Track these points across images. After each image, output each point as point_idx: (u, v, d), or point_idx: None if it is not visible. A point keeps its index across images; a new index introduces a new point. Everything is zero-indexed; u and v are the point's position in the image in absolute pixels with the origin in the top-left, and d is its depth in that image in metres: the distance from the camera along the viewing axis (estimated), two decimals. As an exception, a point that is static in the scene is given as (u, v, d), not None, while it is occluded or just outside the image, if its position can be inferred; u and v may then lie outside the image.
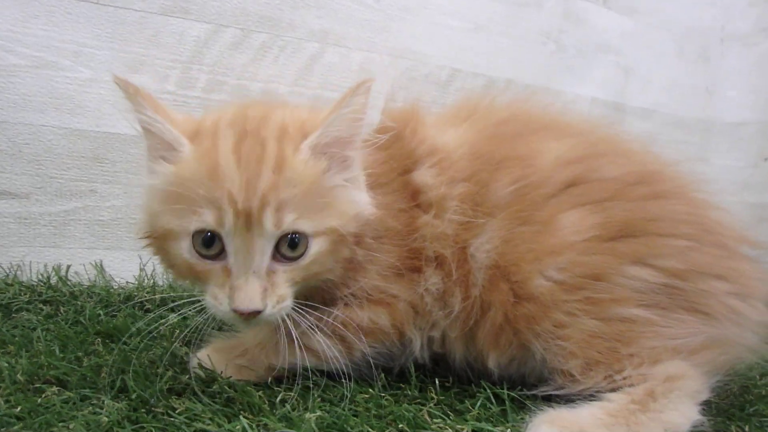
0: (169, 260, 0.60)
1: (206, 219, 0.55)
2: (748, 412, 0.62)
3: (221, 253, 0.56)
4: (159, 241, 0.59)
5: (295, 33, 1.13)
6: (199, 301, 0.93)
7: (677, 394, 0.56)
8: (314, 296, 0.63)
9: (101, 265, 0.99)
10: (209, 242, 0.56)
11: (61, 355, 0.66)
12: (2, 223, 0.95)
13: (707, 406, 0.58)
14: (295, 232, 0.56)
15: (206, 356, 0.65)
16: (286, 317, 0.58)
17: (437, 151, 0.66)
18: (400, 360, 0.67)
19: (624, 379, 0.57)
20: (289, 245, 0.57)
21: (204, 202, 0.55)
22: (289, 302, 0.58)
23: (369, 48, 1.19)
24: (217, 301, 0.57)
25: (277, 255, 0.57)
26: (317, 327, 0.62)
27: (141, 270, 1.01)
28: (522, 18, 1.37)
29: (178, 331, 0.80)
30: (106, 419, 0.50)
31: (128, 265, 1.01)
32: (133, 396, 0.55)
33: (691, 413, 0.55)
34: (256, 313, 0.55)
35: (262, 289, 0.55)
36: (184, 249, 0.57)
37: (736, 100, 1.72)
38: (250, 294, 0.55)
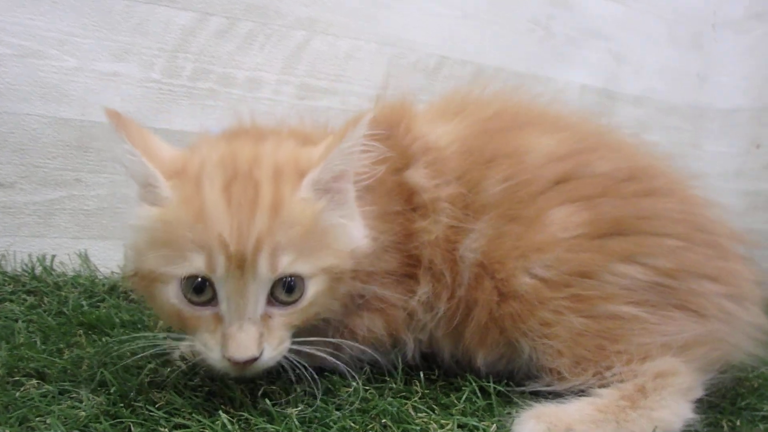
0: (156, 304, 0.57)
1: (196, 264, 0.51)
2: (740, 405, 0.62)
3: (212, 299, 0.53)
4: (146, 282, 0.56)
5: (282, 21, 1.12)
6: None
7: (669, 391, 0.55)
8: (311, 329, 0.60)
9: (86, 254, 0.99)
10: (200, 288, 0.53)
11: (43, 347, 0.67)
12: (-14, 212, 0.95)
13: (698, 401, 0.57)
14: (291, 275, 0.54)
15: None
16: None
17: (430, 149, 0.64)
18: (389, 358, 0.66)
19: (613, 375, 0.57)
20: (285, 290, 0.54)
21: (192, 246, 0.51)
22: (287, 344, 0.55)
23: (356, 36, 1.18)
24: (207, 348, 0.53)
25: (272, 299, 0.54)
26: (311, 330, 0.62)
27: (126, 260, 1.00)
28: (510, 4, 1.36)
29: (162, 322, 0.80)
30: (83, 414, 0.51)
31: (114, 254, 1.01)
32: (113, 390, 0.55)
33: (684, 411, 0.55)
34: (252, 361, 0.52)
35: (257, 334, 0.52)
36: (172, 294, 0.53)
37: (729, 86, 1.71)
38: (244, 342, 0.52)
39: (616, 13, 1.52)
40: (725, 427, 0.56)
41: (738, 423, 0.57)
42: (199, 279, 0.52)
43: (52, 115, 0.97)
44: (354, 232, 0.58)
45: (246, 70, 1.10)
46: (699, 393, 0.57)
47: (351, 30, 1.18)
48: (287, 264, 0.53)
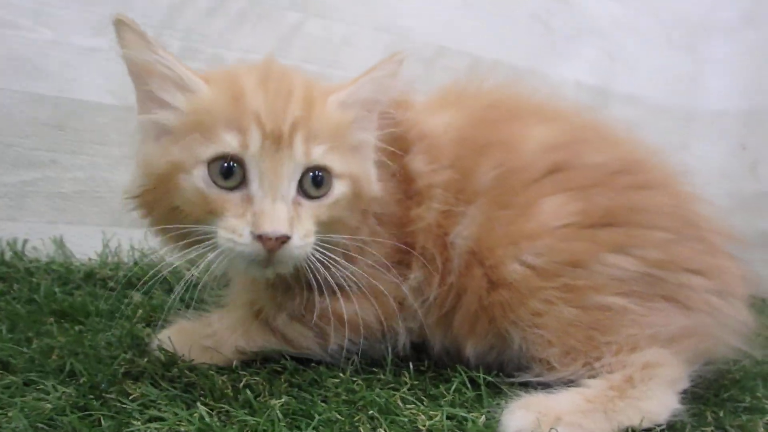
0: (170, 205, 0.54)
1: (229, 143, 0.51)
2: (723, 397, 0.61)
3: (241, 183, 0.52)
4: (160, 186, 0.54)
5: (274, 1, 1.07)
6: (166, 278, 0.90)
7: (656, 382, 0.55)
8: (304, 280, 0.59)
9: (61, 240, 0.93)
10: (229, 171, 0.52)
11: (9, 336, 0.61)
12: (-46, 192, 0.89)
13: (683, 392, 0.56)
14: (322, 168, 0.54)
15: (167, 337, 0.60)
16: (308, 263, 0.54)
17: (426, 136, 0.63)
18: (379, 348, 0.64)
19: (603, 366, 0.56)
20: (314, 182, 0.54)
21: (226, 125, 0.51)
22: (313, 239, 0.54)
23: (352, 21, 1.14)
24: (235, 233, 0.51)
25: (300, 192, 0.54)
26: (300, 316, 0.60)
27: (104, 246, 0.95)
28: (510, -4, 1.33)
29: (141, 311, 0.75)
30: (49, 406, 0.46)
31: (91, 240, 0.96)
32: (83, 380, 0.50)
33: (670, 401, 0.54)
34: (283, 240, 0.50)
35: (289, 214, 0.51)
36: (198, 179, 0.52)
37: (718, 89, 1.71)
38: (278, 215, 0.51)
39: (613, 11, 1.50)
40: (709, 418, 0.56)
41: (721, 414, 0.57)
42: (229, 161, 0.52)
43: (27, 91, 0.91)
44: (372, 166, 0.59)
45: (236, 50, 1.05)
46: (685, 384, 0.57)
47: (347, 14, 1.13)
48: (320, 154, 0.54)
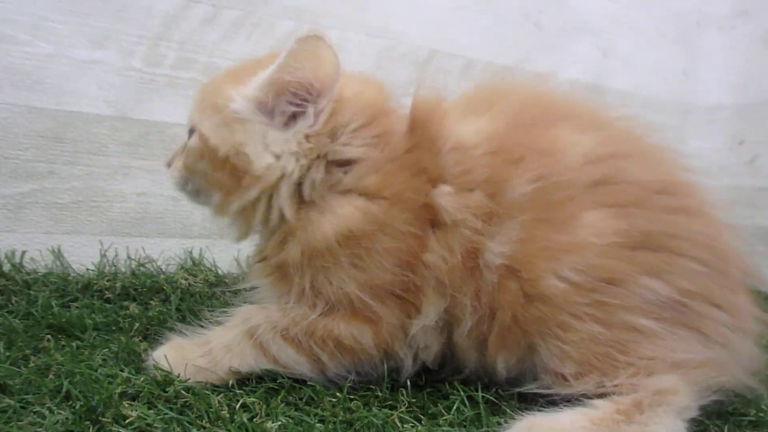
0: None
1: None
2: (726, 410, 0.61)
3: None
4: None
5: (268, 10, 1.07)
6: (162, 288, 0.91)
7: (665, 409, 0.54)
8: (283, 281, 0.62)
9: (59, 250, 0.94)
10: None
11: (6, 354, 0.62)
12: (-47, 205, 0.90)
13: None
14: (194, 128, 0.65)
15: (163, 356, 0.61)
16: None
17: (457, 151, 0.62)
18: (378, 371, 0.64)
19: (615, 386, 0.56)
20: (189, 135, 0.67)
21: None
22: (177, 173, 0.68)
23: (345, 27, 1.15)
24: None
25: None
26: (295, 338, 0.60)
27: (102, 256, 0.96)
28: (502, -2, 1.33)
29: (138, 324, 0.76)
30: (44, 432, 0.47)
31: (89, 250, 0.97)
32: (78, 405, 0.51)
33: (678, 429, 0.54)
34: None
35: (174, 156, 0.70)
36: None
37: (713, 83, 1.71)
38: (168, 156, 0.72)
39: (605, 7, 1.50)
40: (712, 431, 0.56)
41: (726, 428, 0.57)
42: None
43: (25, 104, 0.92)
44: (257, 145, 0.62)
45: (231, 59, 1.05)
46: (693, 413, 0.56)
47: (339, 20, 1.14)
48: (197, 119, 0.65)
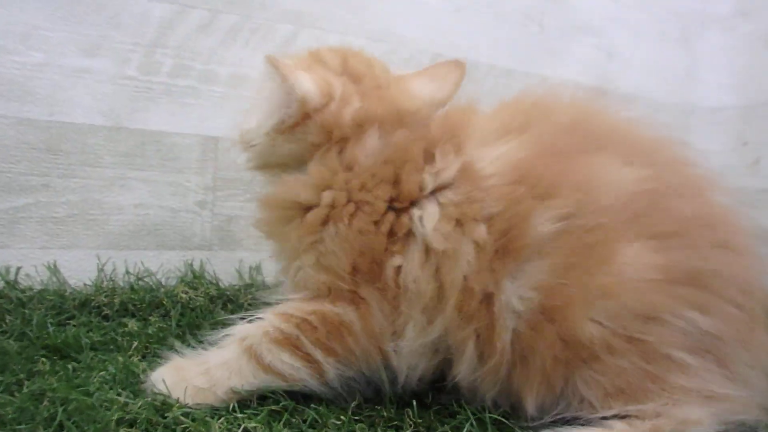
0: None
1: None
2: None
3: None
4: None
5: (267, 14, 1.05)
6: (162, 303, 0.88)
7: None
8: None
9: (55, 266, 0.92)
10: None
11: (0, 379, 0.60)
12: (-56, 221, 0.87)
13: None
14: None
15: (161, 379, 0.59)
16: None
17: (464, 187, 0.58)
18: (381, 376, 0.61)
19: (638, 410, 0.54)
20: None
21: None
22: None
23: (345, 30, 1.12)
24: None
25: None
26: (285, 338, 0.59)
27: (99, 271, 0.93)
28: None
29: (136, 342, 0.74)
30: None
31: (86, 265, 0.94)
32: (73, 435, 0.49)
33: None
34: None
35: None
36: None
37: (716, 84, 1.69)
38: None
39: (606, 7, 1.47)
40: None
41: None
42: None
43: (15, 115, 0.89)
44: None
45: (229, 66, 1.03)
46: None
47: (340, 24, 1.11)
48: None
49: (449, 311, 0.57)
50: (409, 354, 0.59)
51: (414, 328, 0.58)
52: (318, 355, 0.58)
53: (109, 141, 0.95)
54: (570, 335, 0.55)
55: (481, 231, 0.57)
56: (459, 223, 0.57)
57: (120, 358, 0.68)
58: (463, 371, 0.58)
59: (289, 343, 0.59)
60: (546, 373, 0.56)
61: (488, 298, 0.57)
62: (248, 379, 0.59)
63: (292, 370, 0.59)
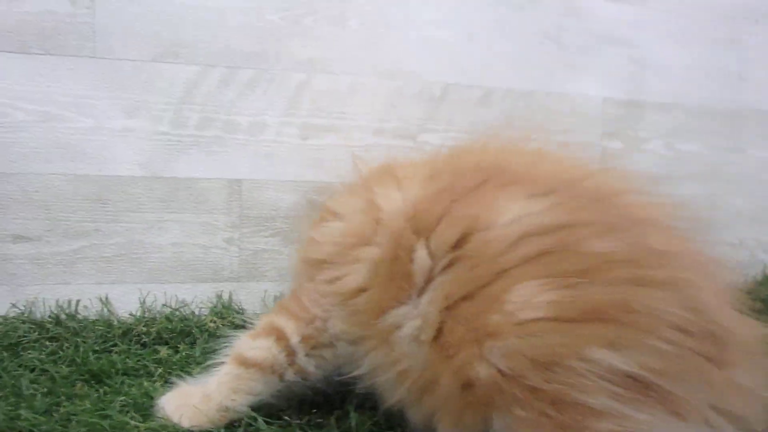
0: None
1: None
2: None
3: None
4: None
5: (281, 65, 1.16)
6: (191, 332, 1.00)
7: None
8: None
9: (107, 298, 1.07)
10: None
11: (45, 400, 0.73)
12: (18, 264, 1.05)
13: None
14: None
15: (165, 403, 0.70)
16: None
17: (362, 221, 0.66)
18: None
19: None
20: None
21: None
22: None
23: (356, 71, 1.21)
24: None
25: None
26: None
27: (141, 303, 1.08)
28: (517, 20, 1.33)
29: (161, 369, 0.86)
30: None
31: (132, 297, 1.09)
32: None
33: None
34: None
35: None
36: None
37: (771, 84, 1.61)
38: None
39: (633, 16, 1.45)
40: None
41: None
42: None
43: (72, 173, 1.06)
44: None
45: (249, 115, 1.15)
46: None
47: (351, 66, 1.20)
48: None
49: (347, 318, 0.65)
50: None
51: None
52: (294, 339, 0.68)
53: (147, 189, 1.10)
54: (464, 377, 0.54)
55: (373, 253, 0.62)
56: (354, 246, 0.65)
57: (145, 383, 0.81)
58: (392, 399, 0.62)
59: (266, 332, 0.70)
60: (456, 409, 0.55)
61: (388, 327, 0.59)
62: (234, 384, 0.69)
63: (268, 353, 0.69)
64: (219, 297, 1.13)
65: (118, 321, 1.03)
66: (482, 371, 0.52)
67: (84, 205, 1.07)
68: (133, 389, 0.79)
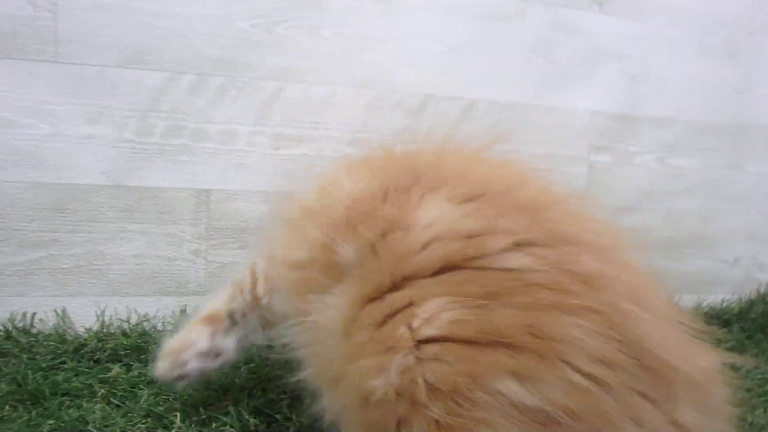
0: None
1: None
2: None
3: None
4: None
5: (253, 73, 1.12)
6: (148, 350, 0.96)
7: None
8: None
9: (64, 311, 1.03)
10: None
11: (-29, 425, 0.69)
12: (-29, 275, 1.01)
13: None
14: None
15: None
16: None
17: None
18: None
19: None
20: None
21: None
22: None
23: (332, 81, 1.17)
24: None
25: None
26: None
27: (98, 317, 1.04)
28: (503, 35, 1.30)
29: (105, 390, 0.82)
30: None
31: (91, 311, 1.05)
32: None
33: None
34: None
35: None
36: None
37: (772, 98, 1.56)
38: None
39: (629, 31, 1.41)
40: None
41: None
42: None
43: (29, 181, 1.02)
44: None
45: (218, 123, 1.11)
46: None
47: (326, 75, 1.17)
48: None
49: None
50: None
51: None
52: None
53: (110, 198, 1.06)
54: (361, 392, 0.49)
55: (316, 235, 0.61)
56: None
57: (84, 405, 0.77)
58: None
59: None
60: (356, 418, 0.51)
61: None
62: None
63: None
64: (183, 311, 1.08)
65: (71, 336, 0.99)
66: (379, 385, 0.47)
67: (42, 214, 1.03)
68: (69, 412, 0.75)
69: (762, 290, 1.47)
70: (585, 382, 0.45)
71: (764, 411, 0.84)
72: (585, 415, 0.44)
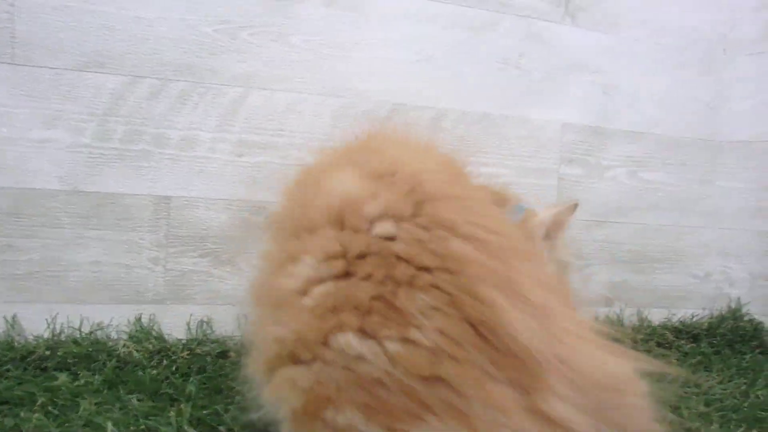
0: None
1: None
2: None
3: None
4: None
5: (216, 79, 1.11)
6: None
7: None
8: None
9: (14, 318, 1.01)
10: None
11: None
12: None
13: None
14: None
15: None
16: None
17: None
18: None
19: None
20: None
21: None
22: None
23: (298, 89, 1.16)
24: None
25: None
26: None
27: (48, 324, 1.02)
28: (474, 45, 1.29)
29: (43, 398, 0.80)
30: None
31: (43, 317, 1.03)
32: None
33: None
34: None
35: None
36: None
37: (744, 114, 1.56)
38: None
39: (601, 43, 1.42)
40: None
41: None
42: None
43: (-17, 185, 1.00)
44: None
45: (180, 129, 1.10)
46: None
47: (291, 83, 1.16)
48: None
49: None
50: None
51: None
52: None
53: (67, 204, 1.04)
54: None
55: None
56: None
57: (22, 414, 0.74)
58: None
59: None
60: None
61: None
62: None
63: None
64: (138, 320, 1.06)
65: (20, 344, 0.96)
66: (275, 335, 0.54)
67: (-4, 219, 1.01)
68: (4, 421, 0.73)
69: (732, 305, 1.46)
70: (428, 344, 0.47)
71: (720, 426, 0.82)
72: (426, 375, 0.45)
